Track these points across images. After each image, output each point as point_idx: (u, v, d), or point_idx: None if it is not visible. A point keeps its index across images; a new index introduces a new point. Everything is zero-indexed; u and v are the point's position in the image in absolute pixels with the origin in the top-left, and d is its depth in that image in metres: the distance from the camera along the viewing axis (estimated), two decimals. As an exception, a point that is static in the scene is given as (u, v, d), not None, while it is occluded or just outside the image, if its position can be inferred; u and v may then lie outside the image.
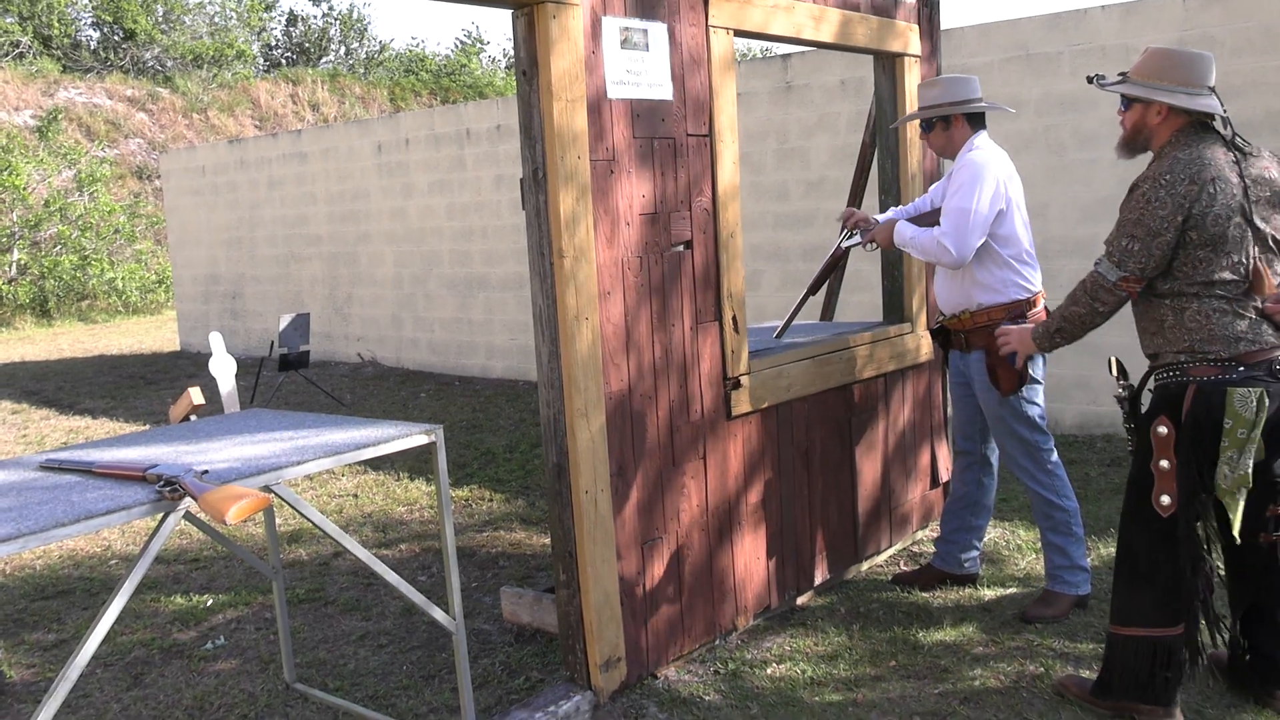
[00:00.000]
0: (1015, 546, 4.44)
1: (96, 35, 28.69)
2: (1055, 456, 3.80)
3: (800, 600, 4.01)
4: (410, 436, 3.03)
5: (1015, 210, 3.70)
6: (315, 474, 3.10)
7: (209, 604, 4.35)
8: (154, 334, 15.89)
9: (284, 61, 32.37)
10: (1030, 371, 3.68)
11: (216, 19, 30.94)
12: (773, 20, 3.74)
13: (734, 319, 3.60)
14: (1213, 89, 2.85)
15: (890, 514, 4.46)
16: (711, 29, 3.50)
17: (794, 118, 7.61)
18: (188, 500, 2.47)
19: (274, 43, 33.20)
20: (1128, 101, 2.88)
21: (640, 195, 3.29)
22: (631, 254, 3.26)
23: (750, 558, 3.76)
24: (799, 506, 3.96)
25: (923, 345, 4.56)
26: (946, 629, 3.68)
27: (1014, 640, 3.55)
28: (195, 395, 7.80)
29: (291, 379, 9.93)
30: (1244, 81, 5.66)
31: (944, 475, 4.74)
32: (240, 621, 4.16)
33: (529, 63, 3.06)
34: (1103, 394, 6.26)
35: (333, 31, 33.65)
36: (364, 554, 2.91)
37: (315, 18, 33.80)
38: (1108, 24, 6.10)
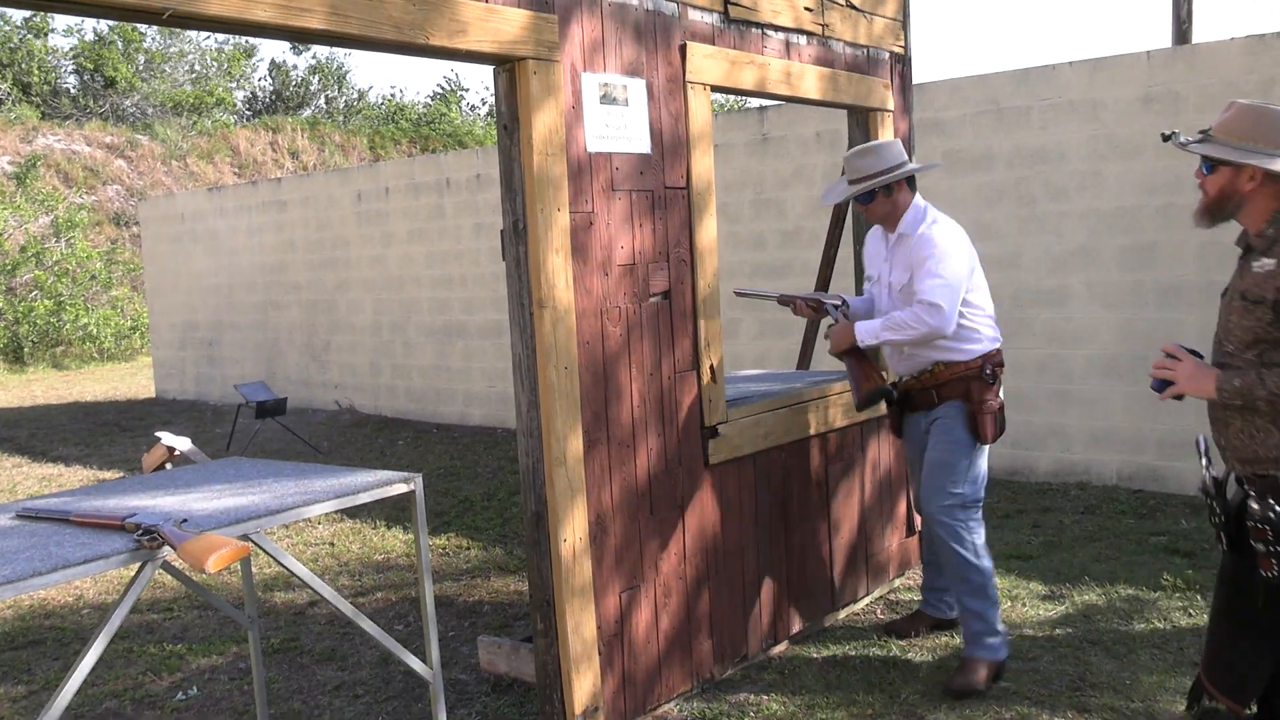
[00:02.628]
0: (991, 594, 4.47)
1: (76, 82, 28.76)
2: (980, 516, 3.72)
3: (778, 649, 4.02)
4: (389, 485, 3.04)
5: (975, 271, 3.74)
6: (292, 522, 3.10)
7: (183, 653, 4.31)
8: (129, 380, 15.79)
9: (264, 109, 32.52)
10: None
11: (197, 67, 31.11)
12: (749, 76, 3.83)
13: (711, 368, 3.65)
14: None
15: (867, 562, 4.48)
16: (689, 85, 3.58)
17: (770, 169, 7.73)
18: (166, 549, 2.47)
19: (255, 91, 33.37)
20: (1211, 164, 2.56)
21: (619, 247, 3.34)
22: (610, 304, 3.31)
23: (728, 606, 3.77)
24: (776, 555, 3.98)
25: (898, 394, 4.61)
26: (923, 677, 3.69)
27: (990, 690, 3.56)
28: (170, 440, 7.79)
29: (269, 426, 9.89)
30: (1208, 137, 5.79)
31: (920, 523, 4.77)
32: (214, 671, 4.12)
33: (510, 117, 3.11)
34: (1075, 442, 6.33)
35: (313, 80, 33.86)
36: (342, 603, 2.91)
37: (296, 67, 34.02)
38: (1076, 79, 6.25)
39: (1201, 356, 2.60)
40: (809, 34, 4.14)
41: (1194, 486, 5.90)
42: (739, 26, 3.81)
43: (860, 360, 3.80)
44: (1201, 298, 5.85)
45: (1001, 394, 3.74)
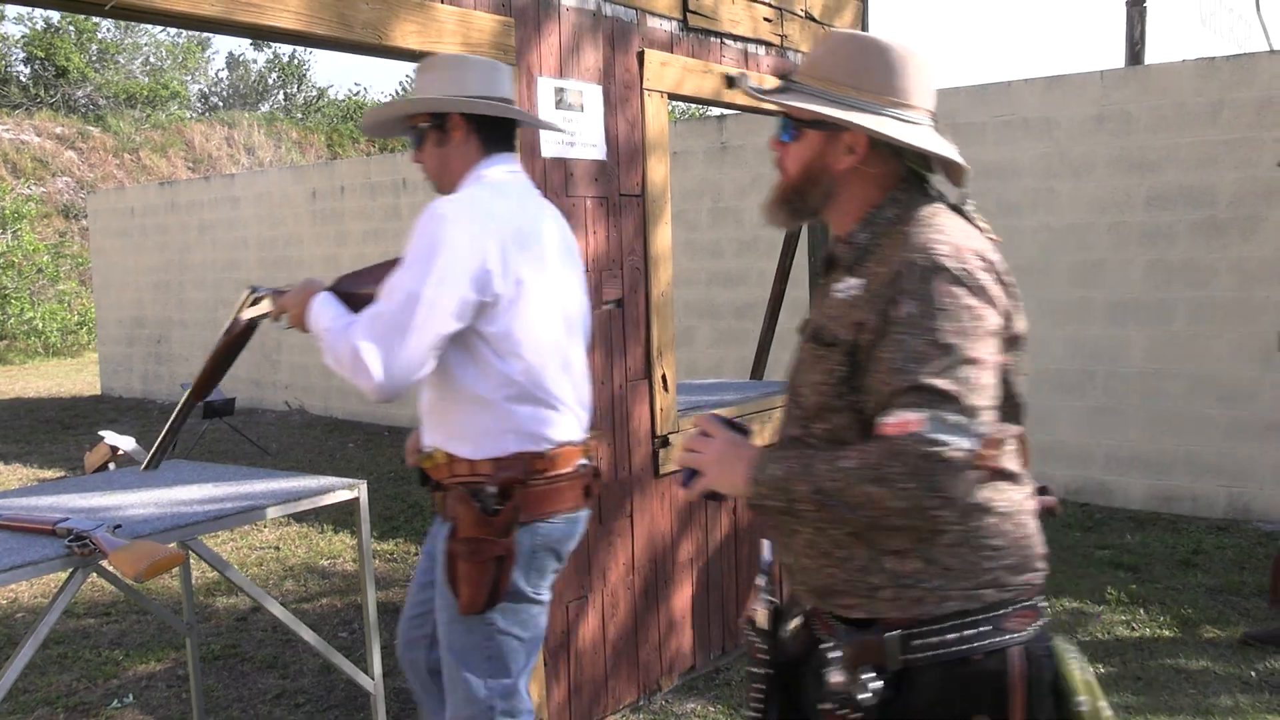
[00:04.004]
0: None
1: (27, 71, 28.20)
2: None
3: (726, 660, 4.00)
4: (333, 491, 2.99)
5: (530, 301, 2.17)
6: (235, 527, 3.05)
7: (119, 659, 4.21)
8: (74, 377, 15.48)
9: (220, 104, 32.10)
10: (521, 581, 2.20)
11: (152, 59, 30.65)
12: (707, 85, 3.82)
13: (664, 377, 3.63)
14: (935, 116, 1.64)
15: (816, 573, 4.48)
16: (646, 92, 3.56)
17: (729, 177, 7.73)
18: (98, 554, 2.40)
19: (211, 84, 32.94)
20: (794, 128, 1.62)
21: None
22: (562, 311, 3.27)
23: (676, 617, 3.75)
24: (726, 566, 3.97)
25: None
26: (870, 690, 3.68)
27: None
28: (114, 440, 7.63)
29: (216, 427, 9.73)
30: (1158, 157, 5.88)
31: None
32: (151, 679, 4.03)
33: (464, 120, 3.07)
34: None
35: (272, 76, 33.49)
36: (281, 612, 2.85)
37: (255, 62, 33.63)
38: (1030, 96, 6.32)
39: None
40: (768, 44, 4.14)
41: (1138, 500, 5.98)
42: (697, 35, 3.80)
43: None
44: (1149, 315, 5.93)
45: (533, 539, 2.20)
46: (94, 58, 28.84)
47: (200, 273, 12.08)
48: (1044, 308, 6.29)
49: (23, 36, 27.81)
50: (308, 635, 2.98)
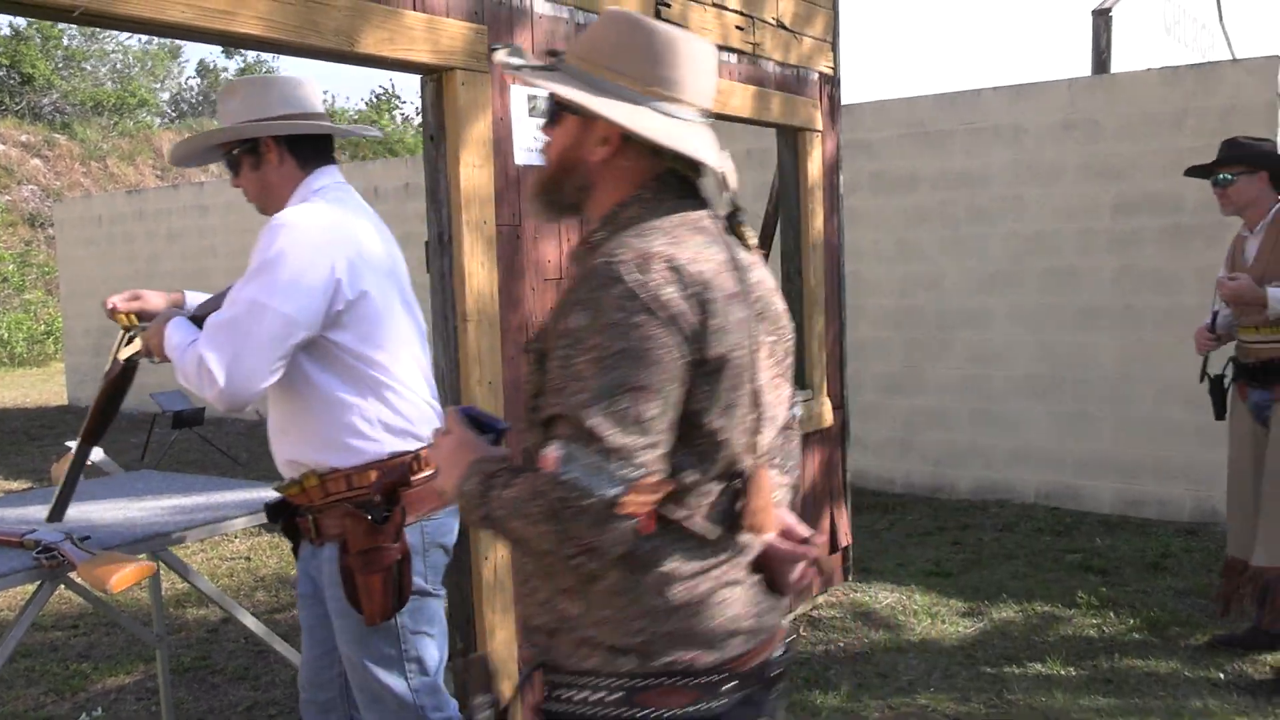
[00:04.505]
0: (911, 611, 4.51)
1: (-8, 79, 27.87)
2: None
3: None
4: (305, 501, 2.97)
5: (376, 303, 2.21)
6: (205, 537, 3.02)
7: (88, 672, 4.15)
8: (40, 387, 15.29)
9: (189, 111, 31.85)
10: (421, 580, 2.24)
11: (119, 66, 30.37)
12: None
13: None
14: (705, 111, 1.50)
15: (790, 579, 4.49)
16: (619, 100, 3.56)
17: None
18: (66, 566, 2.37)
19: (180, 92, 32.68)
20: (554, 113, 1.49)
21: (546, 260, 3.31)
22: (537, 319, 3.27)
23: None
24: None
25: (825, 412, 4.64)
26: (843, 694, 3.70)
27: (910, 705, 3.59)
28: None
29: (185, 437, 9.64)
30: (1124, 164, 5.95)
31: (843, 540, 4.81)
32: (121, 691, 3.98)
33: (437, 127, 3.07)
34: (997, 460, 6.44)
35: (241, 83, 33.27)
36: (253, 623, 2.83)
37: (225, 70, 33.40)
38: (998, 104, 6.38)
39: (491, 430, 1.54)
40: (739, 52, 4.16)
41: (1107, 504, 6.04)
42: (670, 43, 3.81)
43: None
44: (1118, 321, 5.99)
45: (423, 537, 2.25)
46: (60, 65, 28.54)
47: (169, 282, 11.96)
48: (1014, 314, 6.35)
49: (-12, 44, 27.49)
50: (280, 646, 2.95)
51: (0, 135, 24.06)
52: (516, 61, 1.51)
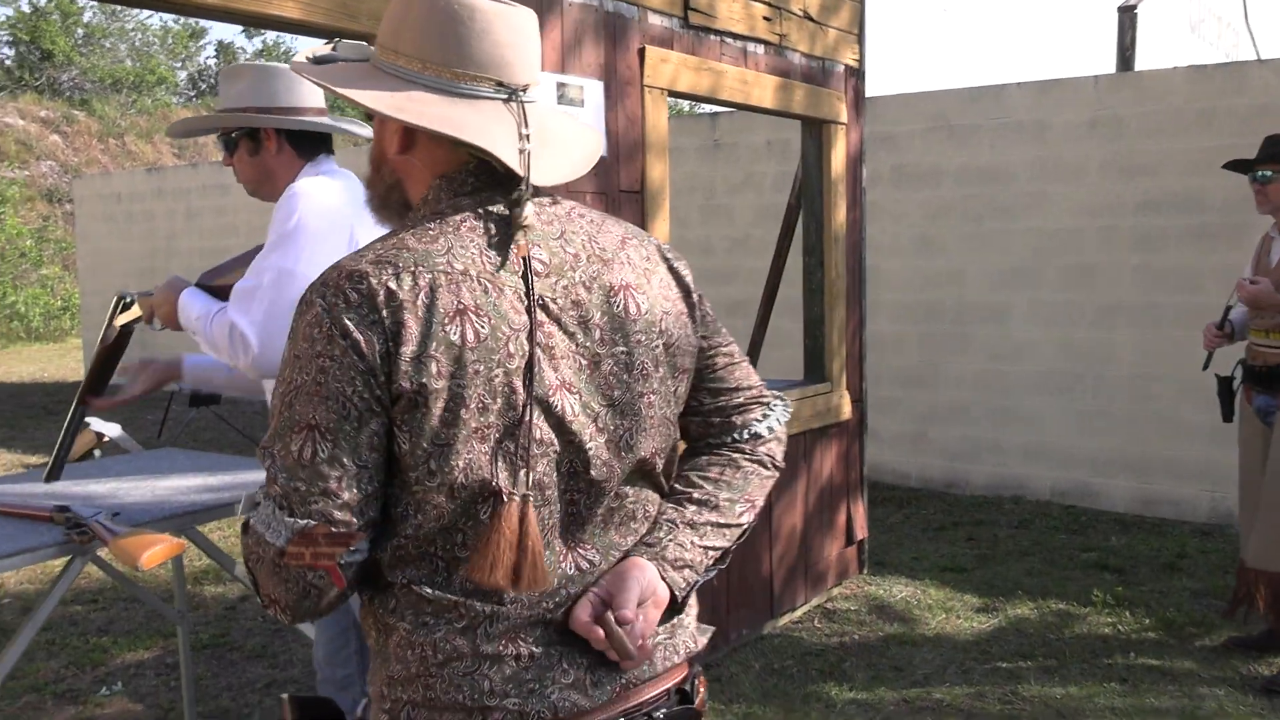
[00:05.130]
0: (926, 606, 4.52)
1: (12, 54, 27.96)
2: None
3: (715, 657, 4.02)
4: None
5: None
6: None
7: (107, 646, 4.19)
8: (57, 362, 15.38)
9: (208, 90, 31.89)
10: None
11: (139, 44, 30.42)
12: (705, 82, 3.83)
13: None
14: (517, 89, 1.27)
15: (807, 571, 4.50)
16: (646, 89, 3.57)
17: (720, 175, 7.74)
18: (96, 542, 2.40)
19: (199, 71, 32.73)
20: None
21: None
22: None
23: (667, 612, 3.76)
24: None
25: (843, 405, 4.64)
26: (859, 688, 3.71)
27: (923, 700, 3.60)
28: (99, 426, 7.58)
29: (203, 415, 9.69)
30: (1149, 162, 5.93)
31: (859, 533, 4.82)
32: (140, 666, 4.02)
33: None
34: (1012, 456, 6.43)
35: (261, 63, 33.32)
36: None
37: (244, 50, 33.44)
38: (1023, 100, 6.35)
39: None
40: (765, 43, 4.15)
41: (1123, 503, 6.03)
42: (697, 32, 3.81)
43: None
44: (1138, 319, 5.97)
45: None
46: (80, 41, 28.60)
47: (188, 260, 12.01)
48: (1034, 309, 6.33)
49: (7, 19, 27.57)
50: (303, 627, 2.97)
51: (20, 110, 24.13)
52: (306, 60, 1.31)
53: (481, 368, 1.15)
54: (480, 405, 1.15)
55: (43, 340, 18.68)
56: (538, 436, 1.19)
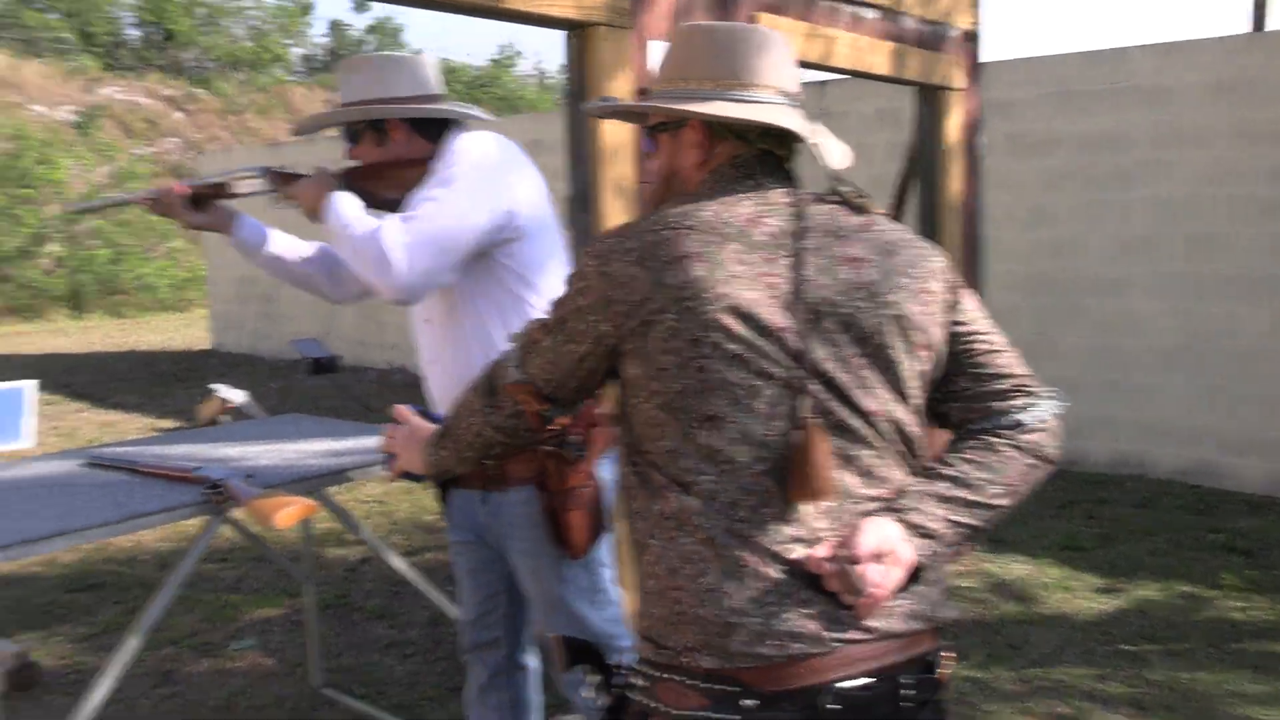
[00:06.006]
0: (1043, 585, 4.43)
1: (138, 35, 29.07)
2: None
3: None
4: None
5: (541, 238, 2.23)
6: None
7: (238, 603, 4.39)
8: (184, 331, 16.04)
9: (320, 67, 32.69)
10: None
11: (255, 23, 31.31)
12: (816, 49, 3.77)
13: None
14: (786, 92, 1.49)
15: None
16: (761, 58, 3.53)
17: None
18: (231, 502, 2.51)
19: (312, 49, 33.56)
20: (651, 141, 1.57)
21: (684, 219, 3.32)
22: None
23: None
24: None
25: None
26: (975, 666, 3.67)
27: (1041, 680, 3.54)
28: (226, 393, 7.91)
29: (322, 383, 10.02)
30: (1285, 126, 5.65)
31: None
32: (268, 623, 4.20)
33: (579, 83, 3.09)
34: (1129, 432, 6.23)
35: (370, 40, 33.99)
36: (401, 565, 2.95)
37: (353, 26, 34.14)
38: (1145, 63, 6.10)
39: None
40: (878, 7, 4.07)
41: (1253, 483, 5.80)
42: None
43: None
44: (1267, 291, 5.71)
45: (606, 471, 2.23)
46: (201, 22, 29.58)
47: (311, 232, 12.36)
48: (1155, 282, 6.10)
49: (134, 2, 28.65)
50: (425, 589, 3.07)
51: (146, 90, 25.12)
52: (604, 105, 1.69)
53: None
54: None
55: (170, 310, 19.51)
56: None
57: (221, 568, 4.87)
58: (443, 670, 3.72)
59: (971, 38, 4.67)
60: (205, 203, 2.55)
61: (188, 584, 4.62)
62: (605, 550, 2.30)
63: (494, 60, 34.54)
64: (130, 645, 2.43)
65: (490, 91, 31.61)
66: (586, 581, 2.26)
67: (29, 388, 5.90)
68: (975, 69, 4.73)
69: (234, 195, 2.53)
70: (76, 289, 18.82)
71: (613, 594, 2.32)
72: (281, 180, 2.44)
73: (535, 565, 2.25)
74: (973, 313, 1.47)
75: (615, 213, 3.07)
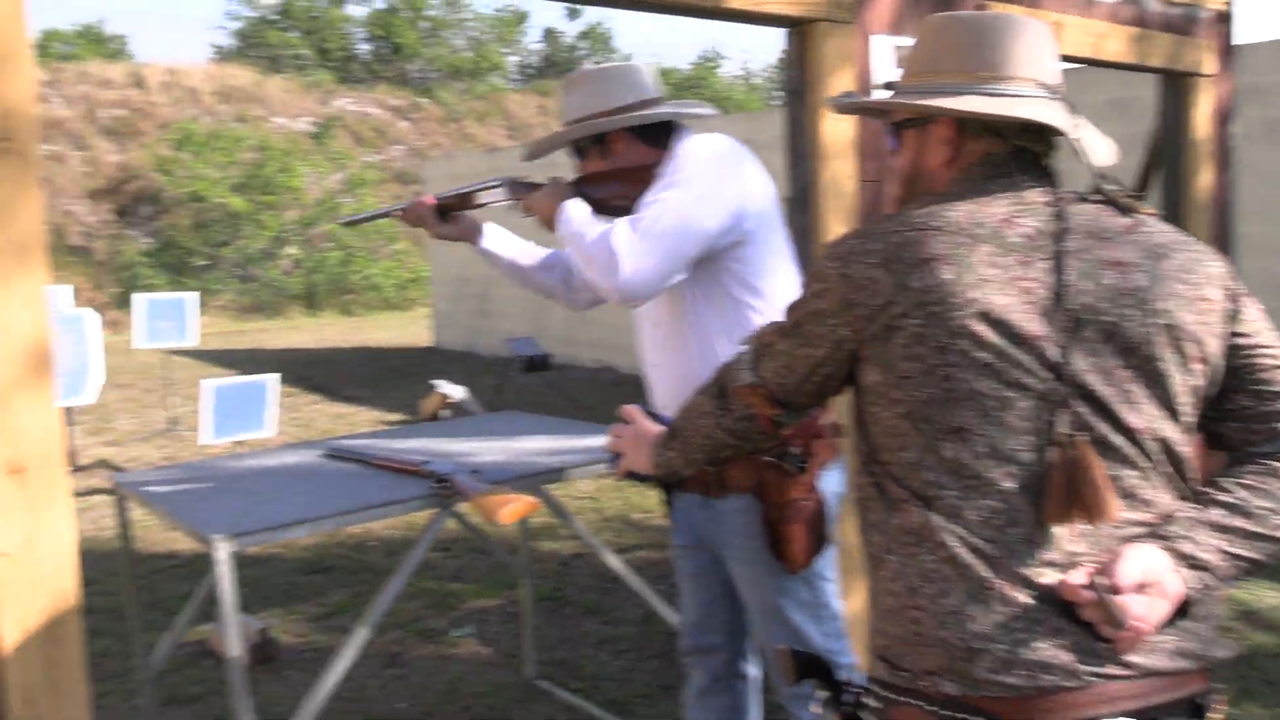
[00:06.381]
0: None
1: (369, 49, 30.87)
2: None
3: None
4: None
5: (768, 242, 2.20)
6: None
7: (458, 592, 4.56)
8: (408, 329, 16.90)
9: (534, 75, 33.77)
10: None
11: (474, 34, 32.66)
12: (1059, 37, 3.56)
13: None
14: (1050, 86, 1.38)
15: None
16: (990, 47, 3.37)
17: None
18: (457, 496, 2.59)
19: (526, 57, 34.73)
20: (896, 136, 1.48)
21: (907, 218, 3.21)
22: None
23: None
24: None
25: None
26: (1226, 699, 3.37)
27: None
28: (447, 389, 8.26)
29: (533, 381, 10.31)
30: None
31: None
32: (486, 613, 4.34)
33: (799, 80, 3.03)
34: None
35: (581, 46, 34.88)
36: (615, 562, 2.98)
37: (565, 33, 35.10)
38: None
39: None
40: (1123, -9, 3.81)
41: None
42: (1047, -16, 3.55)
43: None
44: None
45: (829, 485, 2.17)
46: (425, 34, 31.11)
47: (524, 234, 12.79)
48: None
49: (364, 17, 30.45)
50: (638, 586, 3.09)
51: (375, 100, 26.62)
52: (847, 101, 1.55)
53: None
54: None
55: (395, 309, 20.61)
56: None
57: (444, 557, 5.07)
58: (655, 668, 3.74)
59: (1224, 19, 4.31)
60: (451, 213, 2.71)
61: (413, 572, 4.84)
62: (828, 564, 2.23)
63: (695, 63, 34.73)
64: (362, 634, 2.55)
65: (699, 93, 31.83)
66: (807, 595, 2.21)
67: (271, 381, 6.34)
68: (1228, 53, 4.36)
69: (478, 205, 2.67)
70: (311, 288, 20.17)
71: (835, 609, 2.25)
72: (521, 190, 2.54)
73: (752, 574, 2.22)
74: (1256, 323, 1.33)
75: (834, 213, 2.99)
